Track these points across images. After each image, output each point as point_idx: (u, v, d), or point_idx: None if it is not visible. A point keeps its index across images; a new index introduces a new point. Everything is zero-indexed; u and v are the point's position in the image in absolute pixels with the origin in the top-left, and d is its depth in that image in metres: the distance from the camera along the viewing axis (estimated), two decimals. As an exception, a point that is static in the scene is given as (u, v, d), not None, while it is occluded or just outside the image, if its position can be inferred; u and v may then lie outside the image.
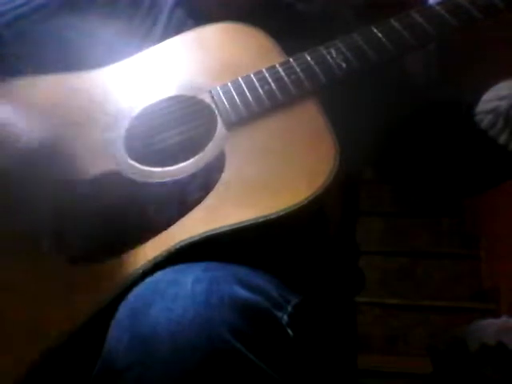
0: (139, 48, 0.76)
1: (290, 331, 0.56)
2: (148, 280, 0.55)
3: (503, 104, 0.70)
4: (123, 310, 0.53)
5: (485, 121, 0.72)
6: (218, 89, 0.70)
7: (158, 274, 0.55)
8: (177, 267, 0.56)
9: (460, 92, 0.75)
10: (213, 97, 0.69)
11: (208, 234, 0.58)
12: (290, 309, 0.58)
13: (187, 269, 0.55)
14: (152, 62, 0.76)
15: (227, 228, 0.58)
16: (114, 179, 0.65)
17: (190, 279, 0.53)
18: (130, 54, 0.76)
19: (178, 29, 0.78)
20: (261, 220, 0.58)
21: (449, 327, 1.90)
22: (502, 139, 0.71)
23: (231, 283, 0.53)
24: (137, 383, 0.49)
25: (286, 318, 0.57)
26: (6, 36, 0.78)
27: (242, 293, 0.52)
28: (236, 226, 0.58)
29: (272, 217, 0.58)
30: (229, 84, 0.70)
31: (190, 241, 0.58)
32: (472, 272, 2.26)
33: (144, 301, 0.52)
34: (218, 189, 0.62)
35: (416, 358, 1.90)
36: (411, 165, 0.82)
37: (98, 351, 0.52)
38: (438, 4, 0.69)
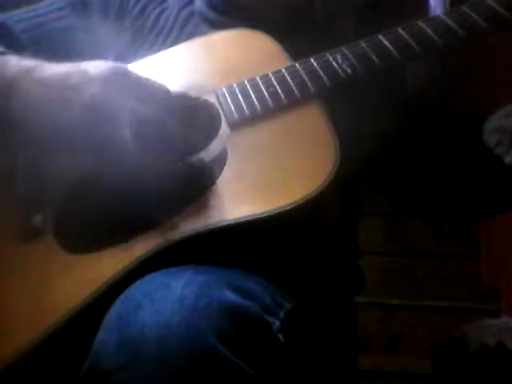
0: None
1: (280, 337, 0.56)
2: (137, 283, 0.55)
3: (510, 122, 0.70)
4: (111, 313, 0.53)
5: (490, 139, 0.72)
6: (224, 89, 0.71)
7: (148, 277, 0.56)
8: (168, 270, 0.56)
9: (468, 107, 0.74)
10: (218, 97, 0.70)
11: (202, 229, 0.58)
12: (282, 315, 0.58)
13: (178, 272, 0.55)
14: (160, 64, 0.77)
15: (223, 224, 0.58)
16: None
17: (180, 283, 0.53)
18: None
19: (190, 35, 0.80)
20: (255, 217, 0.58)
21: (449, 327, 1.90)
22: (508, 159, 0.70)
23: (222, 287, 0.53)
24: None
25: (277, 323, 0.57)
26: (24, 40, 0.80)
27: (232, 297, 0.53)
28: (231, 222, 0.58)
29: (264, 215, 0.58)
30: (234, 85, 0.70)
31: (184, 236, 0.59)
32: (472, 272, 2.26)
33: (133, 303, 0.52)
34: (218, 185, 0.62)
35: (416, 358, 1.90)
36: (409, 182, 0.82)
37: (87, 351, 0.53)
38: (445, 14, 0.69)
